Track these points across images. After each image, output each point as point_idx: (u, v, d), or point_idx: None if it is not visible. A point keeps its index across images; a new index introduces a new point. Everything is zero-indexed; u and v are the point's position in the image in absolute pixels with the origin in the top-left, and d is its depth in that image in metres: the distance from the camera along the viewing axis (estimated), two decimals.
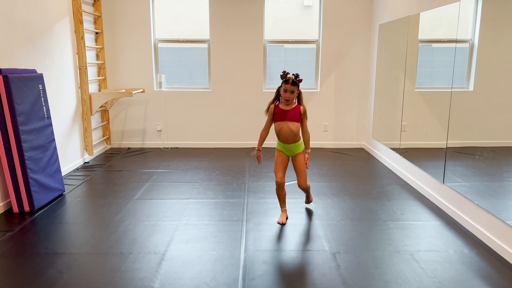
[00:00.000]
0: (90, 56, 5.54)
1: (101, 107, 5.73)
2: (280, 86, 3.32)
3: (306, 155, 3.42)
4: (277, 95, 3.38)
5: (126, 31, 5.88)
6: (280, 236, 3.17)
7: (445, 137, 3.66)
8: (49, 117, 3.95)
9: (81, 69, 5.08)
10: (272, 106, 3.39)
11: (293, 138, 3.36)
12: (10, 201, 3.69)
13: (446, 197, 3.65)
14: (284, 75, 3.31)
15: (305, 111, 3.35)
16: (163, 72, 6.23)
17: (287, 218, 3.45)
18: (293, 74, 3.31)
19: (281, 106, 3.35)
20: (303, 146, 3.43)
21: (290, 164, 3.45)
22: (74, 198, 3.98)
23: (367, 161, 5.44)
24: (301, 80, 3.32)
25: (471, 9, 3.33)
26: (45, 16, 4.30)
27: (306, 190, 3.60)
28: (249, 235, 3.16)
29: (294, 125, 3.32)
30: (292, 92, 3.27)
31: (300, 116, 3.33)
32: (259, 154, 3.50)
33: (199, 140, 6.24)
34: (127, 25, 5.87)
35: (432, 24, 4.11)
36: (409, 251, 2.90)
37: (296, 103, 3.37)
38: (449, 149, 3.63)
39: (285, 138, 3.36)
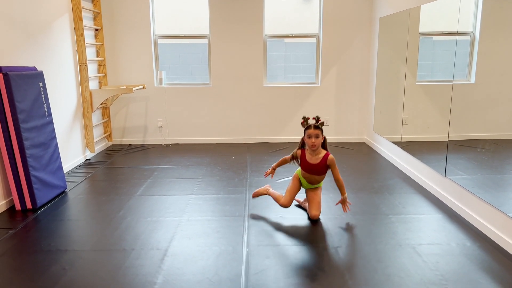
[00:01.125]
0: (90, 53, 5.53)
1: (101, 104, 5.73)
2: (304, 135, 3.28)
3: (343, 198, 3.29)
4: (302, 143, 3.35)
5: (126, 28, 5.87)
6: (282, 230, 3.17)
7: (447, 130, 3.65)
8: (50, 115, 3.95)
9: (81, 66, 5.07)
10: (299, 151, 3.35)
11: (318, 183, 3.40)
12: (12, 198, 3.70)
13: (448, 190, 3.65)
14: (305, 121, 3.25)
15: (333, 162, 3.27)
16: (163, 68, 6.22)
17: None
18: (313, 118, 3.25)
19: (308, 155, 3.30)
20: (322, 183, 3.46)
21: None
22: (76, 195, 3.99)
23: (369, 155, 5.44)
24: (323, 123, 3.25)
25: (472, 1, 3.31)
26: (44, 13, 4.29)
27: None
28: (251, 230, 3.17)
29: (320, 177, 3.37)
30: (317, 136, 3.20)
31: (326, 168, 3.31)
32: (271, 171, 3.58)
33: (200, 136, 6.24)
34: (126, 22, 5.85)
35: (433, 16, 4.08)
36: (411, 244, 2.90)
37: (323, 152, 3.30)
38: (450, 142, 3.62)
39: (310, 182, 3.39)
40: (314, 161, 3.28)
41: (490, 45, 3.15)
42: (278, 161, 3.55)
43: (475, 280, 2.46)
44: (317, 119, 3.25)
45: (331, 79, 6.07)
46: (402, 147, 4.71)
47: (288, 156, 3.45)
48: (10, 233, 3.16)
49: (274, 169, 3.59)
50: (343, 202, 3.30)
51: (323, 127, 3.26)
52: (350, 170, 4.72)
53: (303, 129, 3.28)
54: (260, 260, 2.71)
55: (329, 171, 3.35)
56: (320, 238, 3.02)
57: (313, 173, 3.32)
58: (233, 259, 2.72)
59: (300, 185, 3.45)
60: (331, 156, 3.28)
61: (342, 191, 3.30)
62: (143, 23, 5.87)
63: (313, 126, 3.22)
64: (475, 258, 2.71)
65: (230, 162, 5.12)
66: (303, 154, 3.33)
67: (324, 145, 3.32)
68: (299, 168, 3.42)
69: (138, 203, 3.75)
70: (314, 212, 3.31)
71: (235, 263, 2.67)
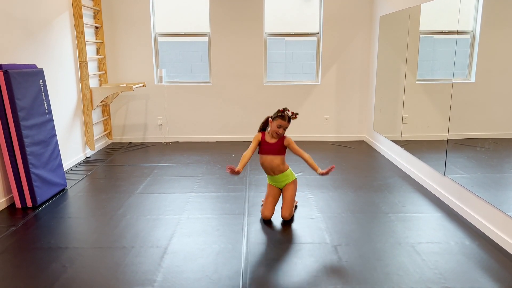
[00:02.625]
0: (90, 51, 5.53)
1: (102, 101, 5.73)
2: (271, 117, 3.28)
3: (321, 173, 3.18)
4: (266, 124, 3.35)
5: (126, 25, 5.87)
6: (281, 229, 3.18)
7: (447, 129, 3.65)
8: (50, 112, 3.95)
9: (82, 64, 5.07)
10: (259, 134, 3.35)
11: (278, 169, 3.32)
12: (12, 196, 3.71)
13: (447, 189, 3.65)
14: (282, 110, 3.26)
15: (290, 140, 3.29)
16: (164, 66, 6.22)
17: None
18: (292, 112, 3.27)
19: (267, 138, 3.32)
20: (292, 175, 3.39)
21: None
22: (76, 192, 3.99)
23: (368, 154, 5.44)
24: (296, 117, 3.29)
25: (472, 0, 3.31)
26: (44, 11, 4.29)
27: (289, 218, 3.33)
28: (250, 228, 3.18)
29: (277, 158, 3.30)
30: (285, 129, 3.25)
31: (284, 149, 3.31)
32: (238, 172, 3.08)
33: (200, 134, 6.24)
34: (127, 19, 5.85)
35: (434, 15, 4.08)
36: (410, 243, 2.91)
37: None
38: (450, 141, 3.62)
39: (271, 170, 3.33)
40: (273, 141, 3.30)
41: (490, 44, 3.15)
42: (240, 162, 3.21)
43: (474, 278, 2.46)
44: (295, 114, 3.29)
45: (331, 77, 6.07)
46: (402, 146, 4.72)
47: (248, 151, 3.27)
48: (10, 230, 3.16)
49: (239, 172, 3.09)
50: (326, 173, 3.18)
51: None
52: (350, 169, 4.72)
53: (276, 115, 3.25)
54: (260, 258, 2.71)
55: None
56: (320, 236, 3.03)
57: (272, 152, 3.28)
58: (233, 257, 2.73)
59: (277, 191, 3.39)
60: (288, 137, 3.31)
61: (314, 168, 3.23)
62: (143, 21, 5.86)
63: (287, 119, 3.24)
64: (474, 256, 2.72)
65: (230, 160, 5.13)
66: (262, 136, 3.34)
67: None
68: (267, 175, 3.41)
69: (138, 201, 3.76)
70: (283, 213, 3.29)
71: (234, 261, 2.67)
